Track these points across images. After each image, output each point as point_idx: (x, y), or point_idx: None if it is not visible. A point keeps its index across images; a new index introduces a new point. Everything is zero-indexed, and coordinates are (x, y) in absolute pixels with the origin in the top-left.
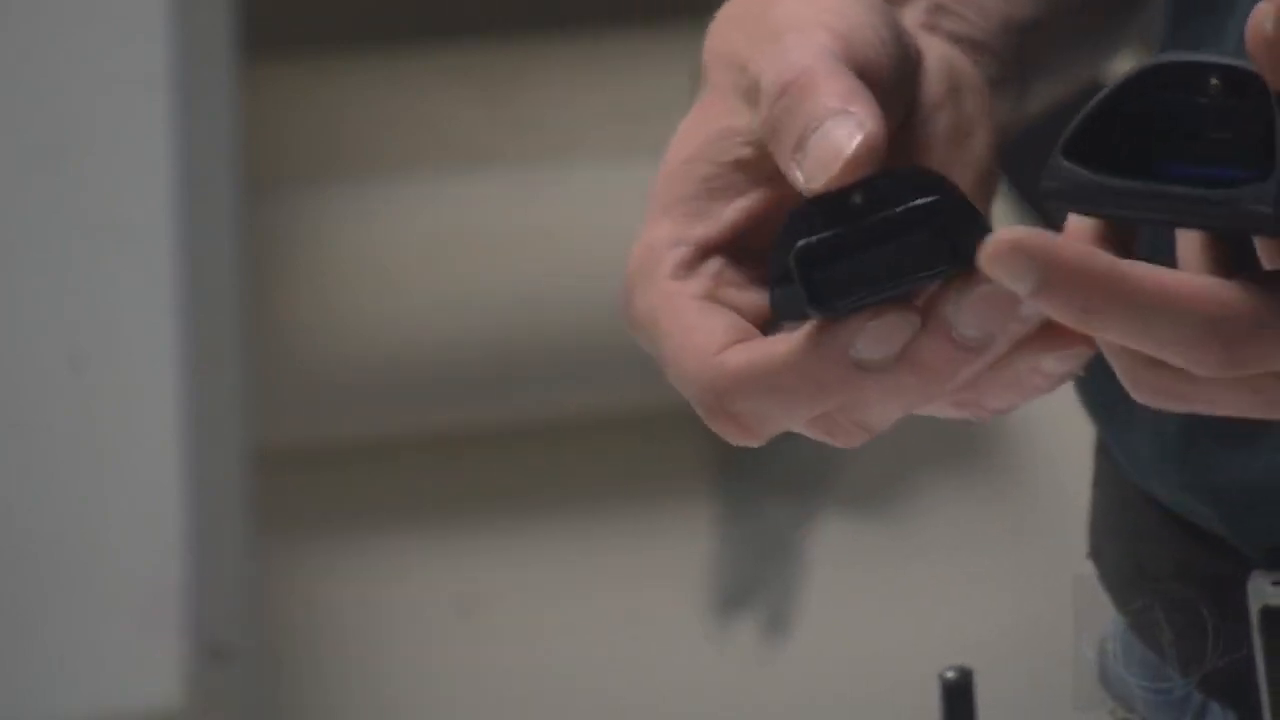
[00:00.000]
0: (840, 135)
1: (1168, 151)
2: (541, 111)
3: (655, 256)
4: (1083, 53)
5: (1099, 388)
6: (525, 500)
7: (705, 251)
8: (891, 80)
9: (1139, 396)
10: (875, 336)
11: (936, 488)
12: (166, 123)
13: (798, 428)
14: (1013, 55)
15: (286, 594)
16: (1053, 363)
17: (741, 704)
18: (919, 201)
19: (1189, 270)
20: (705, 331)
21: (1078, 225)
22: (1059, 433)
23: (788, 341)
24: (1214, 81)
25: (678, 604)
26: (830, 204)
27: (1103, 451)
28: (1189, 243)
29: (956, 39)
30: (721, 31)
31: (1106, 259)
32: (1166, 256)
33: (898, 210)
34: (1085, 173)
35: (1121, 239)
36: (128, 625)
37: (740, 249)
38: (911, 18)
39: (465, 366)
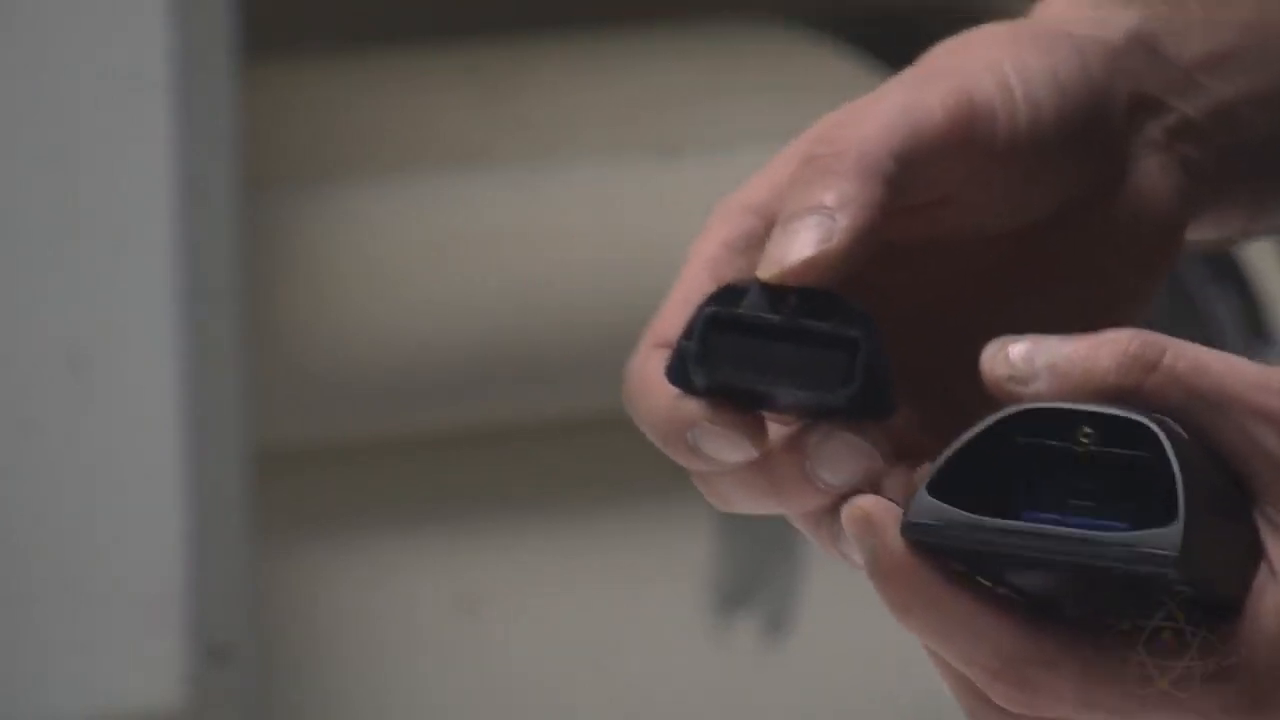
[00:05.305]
0: (804, 239)
1: (1038, 490)
2: (541, 111)
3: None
4: None
5: None
6: (525, 500)
7: None
8: (1042, 144)
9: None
10: (716, 439)
11: None
12: (166, 123)
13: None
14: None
15: (286, 594)
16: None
17: (741, 704)
18: (837, 330)
19: None
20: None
21: None
22: None
23: (665, 395)
24: (1085, 429)
25: (678, 604)
26: (768, 292)
27: None
28: None
29: (1188, 166)
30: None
31: (927, 571)
32: None
33: (816, 326)
34: (951, 509)
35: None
36: (128, 625)
37: None
38: (1152, 133)
39: (465, 366)
